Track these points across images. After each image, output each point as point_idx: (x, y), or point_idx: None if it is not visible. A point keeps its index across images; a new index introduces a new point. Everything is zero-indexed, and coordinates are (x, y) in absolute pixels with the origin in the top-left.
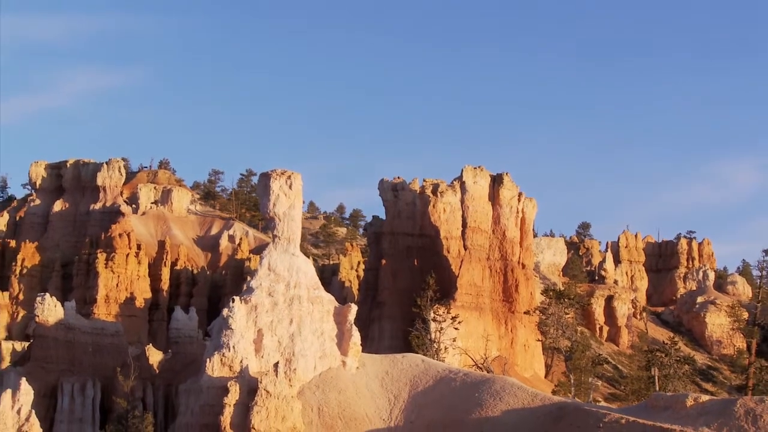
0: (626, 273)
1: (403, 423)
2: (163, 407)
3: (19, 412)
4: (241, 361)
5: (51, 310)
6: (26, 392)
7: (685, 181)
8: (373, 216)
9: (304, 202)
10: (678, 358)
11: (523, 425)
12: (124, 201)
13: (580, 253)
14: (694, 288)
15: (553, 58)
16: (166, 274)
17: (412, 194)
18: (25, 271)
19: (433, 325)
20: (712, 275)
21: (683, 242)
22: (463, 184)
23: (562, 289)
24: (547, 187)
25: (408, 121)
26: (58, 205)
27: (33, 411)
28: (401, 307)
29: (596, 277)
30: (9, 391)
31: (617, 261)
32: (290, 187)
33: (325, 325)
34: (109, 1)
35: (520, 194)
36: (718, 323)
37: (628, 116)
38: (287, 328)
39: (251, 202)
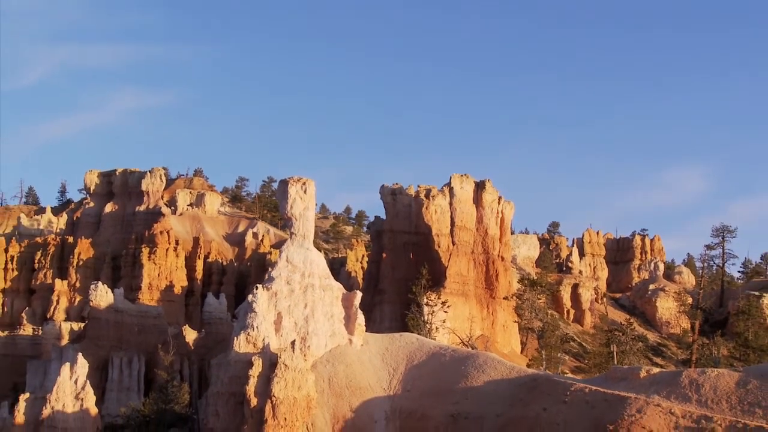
0: (589, 264)
1: (401, 391)
2: (198, 378)
3: (76, 382)
4: (263, 339)
5: (103, 296)
6: (82, 365)
7: (640, 187)
8: (375, 216)
9: (316, 205)
10: (633, 337)
11: (503, 393)
12: (165, 204)
13: (551, 248)
14: (647, 277)
15: (529, 81)
16: (199, 265)
17: (409, 198)
18: (81, 263)
19: (426, 309)
20: (661, 266)
21: (637, 238)
22: (451, 190)
23: (535, 278)
24: (522, 191)
25: (405, 135)
26: (108, 207)
27: (87, 381)
28: (399, 294)
29: (564, 268)
30: (68, 365)
31: (582, 254)
32: (305, 191)
33: (334, 309)
34: (151, 32)
35: (499, 198)
36: (666, 307)
37: (592, 130)
38: (302, 312)
39: (272, 205)
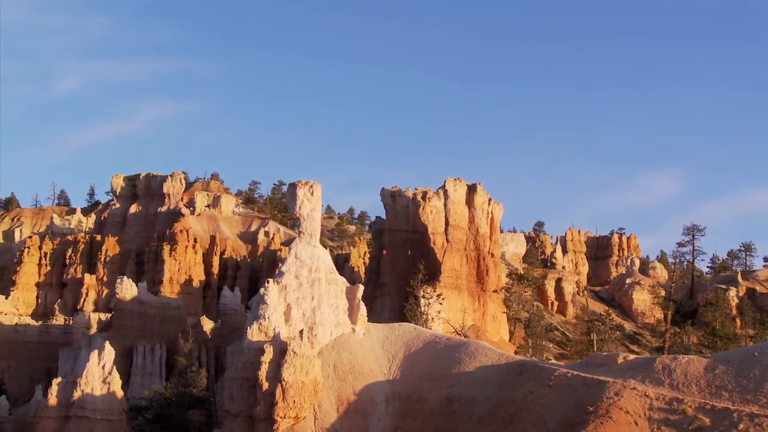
0: (572, 260)
1: (400, 376)
2: (214, 364)
3: (103, 367)
4: (274, 329)
5: (128, 289)
6: (109, 352)
7: (618, 189)
8: (376, 216)
9: (322, 206)
10: (611, 326)
11: (492, 378)
12: (184, 205)
13: (536, 245)
14: (624, 272)
15: (517, 92)
16: (216, 261)
17: (407, 200)
18: (108, 259)
19: (422, 301)
20: (637, 262)
21: (615, 236)
22: (445, 192)
23: (522, 273)
24: (511, 193)
25: (404, 142)
26: (133, 208)
27: (114, 367)
28: (398, 287)
29: (548, 264)
30: (96, 352)
31: (565, 251)
32: (312, 194)
33: (339, 301)
34: (173, 49)
35: (489, 199)
36: (642, 299)
37: (575, 138)
38: (310, 303)
39: (282, 206)
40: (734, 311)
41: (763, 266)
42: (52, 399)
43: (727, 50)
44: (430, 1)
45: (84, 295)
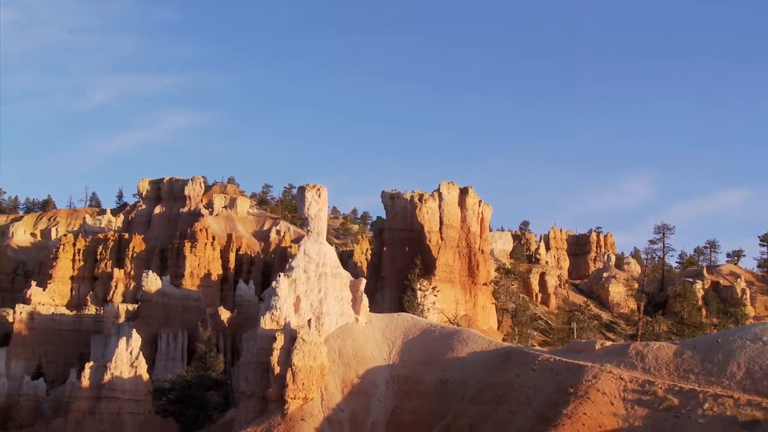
0: (554, 256)
1: (399, 361)
2: (231, 350)
3: (131, 353)
4: (285, 318)
5: (153, 282)
6: (136, 339)
7: (596, 191)
8: (377, 216)
9: (328, 207)
10: (590, 316)
11: (482, 362)
12: (203, 206)
13: (522, 243)
14: (601, 267)
15: (505, 102)
16: (232, 257)
17: (405, 201)
18: (135, 255)
19: (419, 293)
20: (613, 258)
21: (594, 235)
22: (440, 194)
23: (509, 267)
24: (499, 195)
25: (402, 148)
26: (157, 209)
27: (141, 352)
28: (397, 281)
29: (533, 260)
30: (124, 339)
31: (548, 248)
32: (319, 196)
33: (343, 293)
34: (193, 63)
35: (480, 201)
36: (617, 291)
37: (558, 144)
38: (317, 295)
39: (292, 207)
40: (700, 302)
41: (726, 262)
42: (85, 381)
43: (694, 65)
44: (428, 17)
45: (113, 288)
